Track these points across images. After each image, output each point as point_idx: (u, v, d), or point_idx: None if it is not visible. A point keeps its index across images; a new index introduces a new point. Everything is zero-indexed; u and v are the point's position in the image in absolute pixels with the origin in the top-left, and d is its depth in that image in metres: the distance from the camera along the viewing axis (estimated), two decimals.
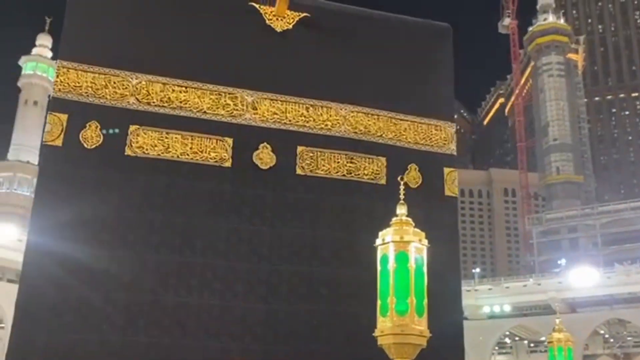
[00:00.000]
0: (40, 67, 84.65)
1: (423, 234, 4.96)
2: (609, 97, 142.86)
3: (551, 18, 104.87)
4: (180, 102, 10.25)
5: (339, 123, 10.85)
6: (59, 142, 9.65)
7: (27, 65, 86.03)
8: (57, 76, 10.04)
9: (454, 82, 11.88)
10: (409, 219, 5.01)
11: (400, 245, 4.79)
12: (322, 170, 10.58)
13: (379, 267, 4.89)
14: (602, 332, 59.72)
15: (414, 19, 12.11)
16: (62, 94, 9.89)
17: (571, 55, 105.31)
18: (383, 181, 10.72)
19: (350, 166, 10.73)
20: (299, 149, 10.56)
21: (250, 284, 9.83)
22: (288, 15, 11.00)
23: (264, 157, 10.34)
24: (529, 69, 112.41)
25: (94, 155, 9.73)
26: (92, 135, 9.78)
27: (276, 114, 10.61)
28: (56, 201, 9.45)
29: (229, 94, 10.49)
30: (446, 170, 11.22)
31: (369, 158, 10.85)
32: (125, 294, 9.33)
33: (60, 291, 9.05)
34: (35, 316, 8.92)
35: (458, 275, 11.15)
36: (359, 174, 10.73)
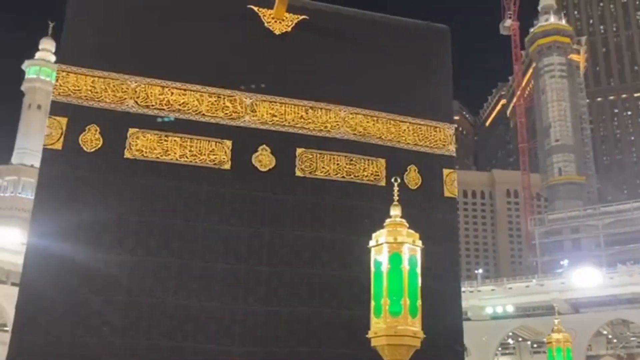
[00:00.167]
0: (43, 71, 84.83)
1: (417, 235, 4.96)
2: (611, 97, 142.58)
3: (552, 19, 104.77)
4: (179, 105, 10.29)
5: (338, 125, 10.87)
6: (58, 146, 9.68)
7: (30, 69, 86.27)
8: (57, 80, 10.08)
9: (452, 83, 11.89)
10: (403, 220, 5.02)
11: (394, 246, 4.80)
12: (321, 172, 10.60)
13: (372, 269, 4.90)
14: (605, 332, 59.57)
15: (412, 20, 12.13)
16: (61, 98, 9.93)
17: (573, 56, 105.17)
18: (382, 182, 10.73)
19: (349, 168, 10.74)
20: (299, 150, 10.58)
21: (250, 286, 9.84)
22: (287, 18, 11.03)
23: (263, 159, 10.37)
24: (530, 70, 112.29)
25: (93, 159, 9.76)
26: (91, 139, 9.81)
27: (275, 116, 10.64)
28: (56, 204, 9.48)
29: (228, 96, 10.52)
30: (445, 171, 11.24)
31: (368, 160, 10.86)
32: (125, 297, 9.36)
33: (60, 293, 9.08)
34: (35, 318, 8.95)
35: (457, 276, 11.17)
36: (358, 176, 10.74)
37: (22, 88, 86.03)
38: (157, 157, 9.98)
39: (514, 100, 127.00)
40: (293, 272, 10.04)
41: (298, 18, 11.04)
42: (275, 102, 10.68)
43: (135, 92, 10.18)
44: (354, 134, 10.88)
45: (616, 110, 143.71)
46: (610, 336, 60.07)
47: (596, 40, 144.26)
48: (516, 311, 60.03)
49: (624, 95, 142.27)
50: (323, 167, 10.60)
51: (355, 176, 10.70)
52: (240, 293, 9.74)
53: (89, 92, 10.00)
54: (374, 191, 10.64)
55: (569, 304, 57.48)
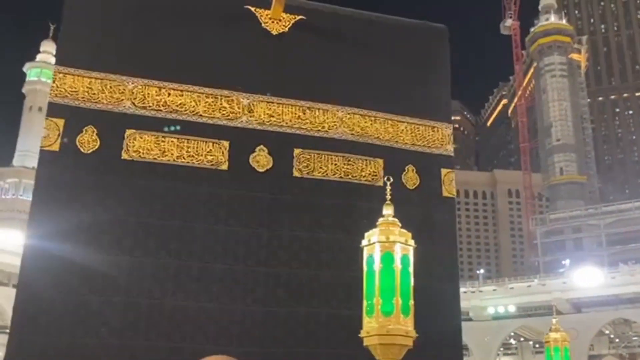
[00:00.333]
0: (44, 73, 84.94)
1: (409, 234, 4.95)
2: (613, 96, 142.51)
3: (553, 18, 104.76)
4: (177, 105, 10.28)
5: (335, 125, 10.86)
6: (55, 147, 9.68)
7: (31, 71, 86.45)
8: (54, 81, 10.08)
9: (450, 83, 11.88)
10: (396, 220, 5.01)
11: (386, 245, 4.79)
12: (319, 173, 10.58)
13: (364, 268, 4.89)
14: (607, 332, 59.52)
15: (410, 20, 12.12)
16: (58, 99, 9.93)
17: (574, 56, 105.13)
18: (380, 183, 10.71)
19: (347, 168, 10.73)
20: (296, 151, 10.57)
21: (248, 287, 9.83)
22: (284, 18, 11.02)
23: (261, 159, 10.35)
24: (531, 70, 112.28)
25: (90, 160, 9.75)
26: (88, 140, 9.81)
27: (272, 116, 10.62)
28: (53, 206, 9.47)
29: (225, 97, 10.51)
30: (443, 171, 11.22)
31: (366, 160, 10.85)
32: (123, 298, 9.35)
33: (58, 294, 9.07)
34: (33, 319, 8.94)
35: (456, 275, 11.14)
36: (356, 176, 10.73)
37: (23, 90, 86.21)
38: (155, 158, 9.97)
39: (515, 100, 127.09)
40: (291, 273, 10.03)
41: (295, 18, 11.03)
42: (272, 103, 10.67)
43: (132, 93, 10.17)
44: (352, 134, 10.87)
45: (617, 110, 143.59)
46: (612, 336, 60.02)
47: (597, 39, 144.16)
48: (518, 311, 60.02)
49: (625, 95, 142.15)
50: (321, 168, 10.59)
51: (353, 176, 10.69)
52: (238, 293, 9.73)
53: (86, 94, 10.00)
54: (372, 191, 10.62)
55: (570, 303, 57.48)
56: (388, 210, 5.11)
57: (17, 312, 9.02)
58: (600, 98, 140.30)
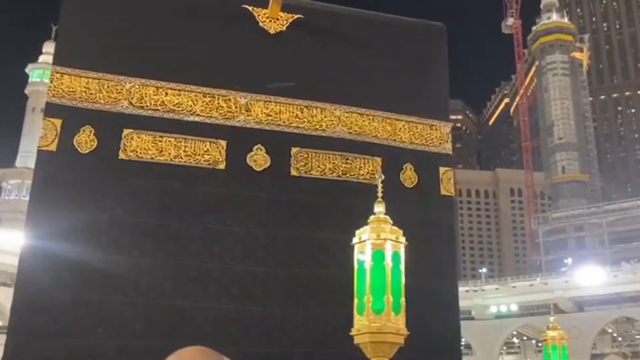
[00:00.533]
0: (47, 74, 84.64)
1: (401, 231, 4.92)
2: (615, 95, 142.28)
3: (555, 17, 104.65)
4: (174, 105, 10.26)
5: (333, 124, 10.83)
6: (53, 147, 9.67)
7: (33, 72, 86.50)
8: (52, 81, 10.08)
9: (448, 81, 11.85)
10: (387, 217, 4.99)
11: (377, 243, 4.76)
12: (317, 171, 10.55)
13: (355, 266, 4.87)
14: (610, 330, 59.43)
15: (408, 18, 12.10)
16: (56, 99, 9.91)
17: (575, 54, 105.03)
18: (379, 181, 10.68)
19: (345, 167, 10.70)
20: (294, 150, 10.54)
21: (246, 287, 9.80)
22: (281, 17, 11.00)
23: (258, 158, 10.33)
24: (533, 69, 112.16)
25: (88, 160, 9.74)
26: (86, 140, 9.80)
27: (270, 115, 10.60)
28: (51, 206, 9.46)
29: (223, 96, 10.49)
30: (442, 169, 11.19)
31: (364, 158, 10.82)
32: (121, 298, 9.33)
33: (55, 295, 9.06)
34: (31, 320, 8.93)
35: (455, 274, 11.11)
36: (354, 175, 10.69)
37: (26, 91, 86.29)
38: (152, 158, 9.95)
39: (517, 98, 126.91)
40: (289, 272, 10.00)
41: (293, 17, 11.01)
42: (270, 102, 10.64)
43: (130, 92, 10.16)
44: (350, 132, 10.84)
45: (619, 108, 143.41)
46: (615, 334, 59.93)
47: (599, 37, 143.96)
48: (520, 310, 59.96)
49: (627, 93, 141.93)
50: (319, 166, 10.56)
51: (351, 175, 10.66)
52: (235, 293, 9.70)
53: (84, 94, 9.98)
54: (370, 190, 10.56)
55: (573, 302, 57.42)
56: (379, 208, 5.09)
57: (15, 313, 9.01)
58: (603, 96, 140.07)
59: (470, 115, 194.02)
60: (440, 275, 10.56)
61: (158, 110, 10.19)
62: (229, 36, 10.83)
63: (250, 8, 10.92)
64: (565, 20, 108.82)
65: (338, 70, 11.13)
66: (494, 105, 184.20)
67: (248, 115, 10.49)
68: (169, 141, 10.09)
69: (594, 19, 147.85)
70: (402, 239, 4.91)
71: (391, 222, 4.96)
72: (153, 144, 10.02)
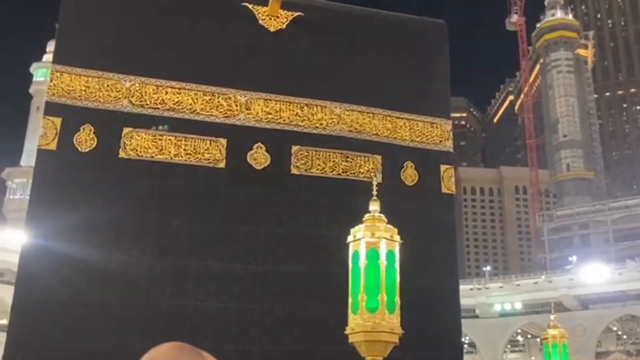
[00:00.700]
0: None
1: (395, 230, 4.90)
2: (620, 92, 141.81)
3: (559, 14, 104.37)
4: (174, 103, 10.25)
5: (333, 122, 10.80)
6: (53, 146, 9.67)
7: (38, 72, 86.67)
8: (51, 80, 10.08)
9: (449, 78, 11.81)
10: (382, 216, 4.97)
11: (371, 242, 4.74)
12: (317, 170, 10.53)
13: (350, 264, 4.86)
14: (614, 328, 59.29)
15: (408, 16, 12.06)
16: (55, 98, 9.92)
17: (580, 51, 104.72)
18: (379, 179, 10.65)
19: (345, 165, 10.67)
20: (294, 148, 10.51)
21: (245, 285, 9.79)
22: (281, 14, 10.97)
23: (259, 157, 10.31)
24: (537, 66, 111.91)
25: (88, 159, 9.74)
26: (86, 139, 9.80)
27: (270, 113, 10.58)
28: (51, 205, 9.47)
29: (222, 94, 10.47)
30: (443, 167, 11.15)
31: (364, 156, 10.79)
32: (121, 297, 9.34)
33: (55, 294, 9.07)
34: (31, 319, 8.94)
35: (455, 273, 11.06)
36: (354, 173, 10.67)
37: (30, 90, 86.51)
38: (152, 157, 9.95)
39: (522, 96, 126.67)
40: (289, 271, 9.98)
41: (293, 15, 10.98)
42: (270, 100, 10.62)
43: (130, 91, 10.15)
44: (350, 130, 10.81)
45: (625, 105, 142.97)
46: (619, 332, 59.81)
47: (604, 34, 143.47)
48: (524, 308, 59.90)
49: (632, 90, 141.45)
50: (319, 165, 10.54)
51: (351, 173, 10.63)
52: (235, 292, 9.70)
53: (83, 92, 9.98)
54: (371, 188, 10.55)
55: (577, 300, 57.33)
56: (374, 206, 5.08)
57: (15, 311, 9.03)
58: (608, 93, 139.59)
59: (474, 112, 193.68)
60: (441, 274, 10.53)
61: (158, 108, 10.18)
62: (229, 34, 10.82)
63: (250, 6, 10.90)
64: (570, 17, 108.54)
65: (338, 68, 11.10)
66: (498, 102, 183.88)
67: (248, 114, 10.47)
68: (169, 140, 10.08)
69: (598, 15, 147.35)
70: (397, 238, 4.89)
71: (386, 220, 4.94)
72: (153, 143, 10.01)
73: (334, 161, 10.64)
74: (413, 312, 9.21)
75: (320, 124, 10.74)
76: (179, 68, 10.46)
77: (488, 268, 78.55)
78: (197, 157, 10.11)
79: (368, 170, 10.70)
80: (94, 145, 9.80)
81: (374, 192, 5.22)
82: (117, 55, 10.34)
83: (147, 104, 10.16)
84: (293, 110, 10.69)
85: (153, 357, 2.11)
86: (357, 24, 11.56)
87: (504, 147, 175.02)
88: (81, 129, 9.82)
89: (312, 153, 10.57)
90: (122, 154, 9.88)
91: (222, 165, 10.17)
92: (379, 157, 10.83)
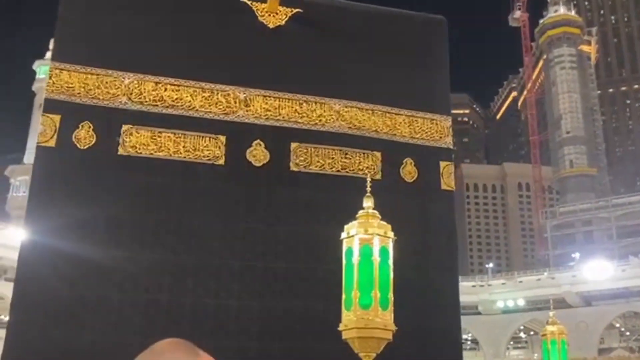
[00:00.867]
0: None
1: (389, 226, 4.89)
2: (623, 88, 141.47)
3: (562, 10, 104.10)
4: (173, 100, 10.24)
5: (333, 118, 10.78)
6: (52, 143, 9.67)
7: (40, 69, 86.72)
8: (50, 77, 10.07)
9: (449, 75, 11.77)
10: (375, 212, 4.97)
11: (365, 238, 4.74)
12: (316, 166, 10.51)
13: (344, 261, 4.86)
14: (617, 325, 59.26)
15: (407, 12, 12.02)
16: (54, 95, 9.91)
17: (583, 47, 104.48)
18: (378, 176, 10.63)
19: (344, 162, 10.65)
20: (293, 145, 10.49)
21: (245, 282, 9.79)
22: (280, 11, 10.95)
23: (258, 154, 10.30)
24: (540, 62, 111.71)
25: (87, 156, 9.74)
26: (85, 136, 9.80)
27: (269, 110, 10.56)
28: (50, 202, 9.48)
29: (222, 91, 10.46)
30: (442, 164, 11.11)
31: (363, 153, 10.77)
32: (119, 294, 9.34)
33: (54, 291, 9.08)
34: (30, 315, 8.96)
35: (455, 269, 11.03)
36: (353, 169, 10.65)
37: (33, 88, 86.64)
38: (151, 154, 9.95)
39: (525, 92, 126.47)
40: (288, 267, 9.98)
41: (292, 11, 10.96)
42: (269, 97, 10.60)
43: (129, 88, 10.15)
44: (349, 127, 10.79)
45: (628, 101, 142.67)
46: (622, 329, 59.79)
47: (607, 30, 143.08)
48: (527, 305, 59.89)
49: (635, 86, 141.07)
50: (318, 162, 10.52)
51: (350, 170, 10.61)
52: (234, 288, 9.69)
53: (82, 89, 9.98)
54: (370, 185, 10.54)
55: (580, 297, 57.31)
56: (368, 203, 5.07)
57: (14, 308, 9.04)
58: (611, 90, 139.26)
59: (477, 109, 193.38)
60: (440, 270, 10.52)
61: (157, 105, 10.17)
62: (228, 31, 10.80)
63: (249, 2, 10.88)
64: (573, 13, 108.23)
65: (338, 65, 11.08)
66: (501, 99, 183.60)
67: (247, 111, 10.46)
68: (168, 137, 10.07)
69: (601, 11, 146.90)
70: (391, 234, 4.88)
71: (380, 217, 4.94)
72: (152, 140, 10.01)
73: (333, 158, 10.62)
74: (412, 308, 9.21)
75: (320, 121, 10.72)
76: (178, 65, 10.44)
77: (491, 265, 78.52)
78: (197, 154, 10.10)
79: (367, 167, 10.68)
80: (93, 142, 9.80)
81: (368, 189, 5.20)
82: (115, 53, 10.33)
83: (146, 101, 10.16)
84: (292, 107, 10.67)
85: (150, 352, 2.12)
86: (356, 21, 11.53)
87: (507, 144, 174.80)
88: (80, 126, 9.82)
89: (311, 150, 10.55)
90: (121, 151, 9.88)
91: (221, 162, 10.15)
92: (378, 154, 10.80)
